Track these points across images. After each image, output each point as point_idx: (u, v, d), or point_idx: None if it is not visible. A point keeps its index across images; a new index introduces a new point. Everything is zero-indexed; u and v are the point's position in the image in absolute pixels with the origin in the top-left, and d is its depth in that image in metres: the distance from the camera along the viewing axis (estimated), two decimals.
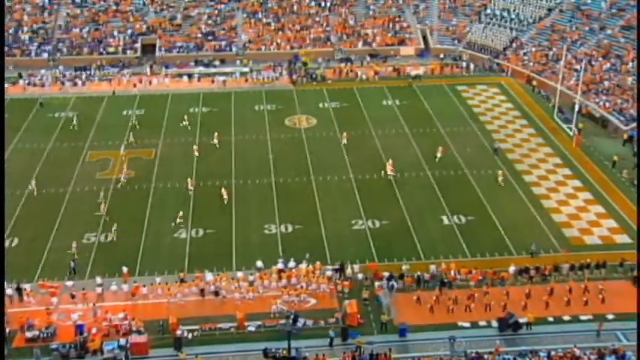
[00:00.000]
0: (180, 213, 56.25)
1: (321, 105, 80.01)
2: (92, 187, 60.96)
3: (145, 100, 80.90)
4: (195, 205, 58.53)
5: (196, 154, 66.59)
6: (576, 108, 71.95)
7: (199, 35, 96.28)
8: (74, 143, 69.53)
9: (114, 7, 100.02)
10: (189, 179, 61.33)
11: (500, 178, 61.94)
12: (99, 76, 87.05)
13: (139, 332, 43.70)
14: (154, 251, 52.43)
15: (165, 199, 59.60)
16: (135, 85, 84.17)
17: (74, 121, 73.24)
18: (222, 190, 59.31)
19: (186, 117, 73.78)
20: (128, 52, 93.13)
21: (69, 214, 57.18)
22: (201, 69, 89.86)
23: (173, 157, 67.23)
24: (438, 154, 65.22)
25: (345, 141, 68.29)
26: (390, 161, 63.38)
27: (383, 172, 62.98)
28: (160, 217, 56.87)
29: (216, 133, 69.89)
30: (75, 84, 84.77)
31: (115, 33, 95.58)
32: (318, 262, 50.10)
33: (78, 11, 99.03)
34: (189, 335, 43.92)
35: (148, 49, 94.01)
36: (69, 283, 48.37)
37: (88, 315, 45.55)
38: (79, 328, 43.82)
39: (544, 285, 48.44)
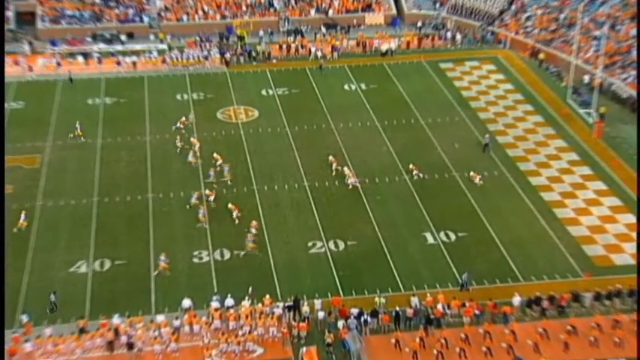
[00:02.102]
0: (201, 215, 57.99)
1: (263, 92, 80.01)
2: None
3: (25, 89, 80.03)
4: (98, 228, 57.92)
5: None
6: (596, 87, 73.12)
7: (97, 0, 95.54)
8: None
9: None
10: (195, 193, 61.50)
11: (477, 179, 62.89)
12: None
13: None
14: (40, 292, 51.38)
15: (57, 222, 58.79)
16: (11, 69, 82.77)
17: None
18: (231, 205, 59.09)
19: (78, 124, 70.98)
20: None
21: None
22: (101, 46, 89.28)
23: (66, 164, 66.44)
24: (413, 171, 64.46)
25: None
26: (347, 170, 63.66)
27: (347, 180, 63.36)
28: (49, 246, 55.99)
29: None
30: None
31: None
32: (265, 298, 49.82)
33: None
34: None
35: (26, 19, 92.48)
36: None
37: None
38: None
39: (561, 320, 48.82)
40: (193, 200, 60.30)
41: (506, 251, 55.31)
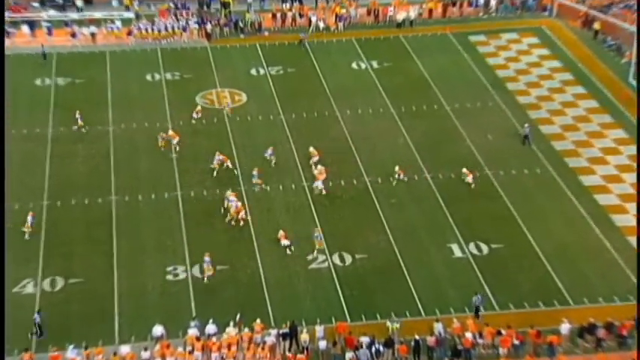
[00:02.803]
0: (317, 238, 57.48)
1: (253, 72, 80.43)
2: None
3: None
4: (49, 239, 58.11)
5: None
6: None
7: None
8: None
9: None
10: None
11: (469, 178, 63.19)
12: None
13: None
14: None
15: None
16: None
17: None
18: (234, 206, 59.49)
19: (78, 114, 70.81)
20: None
21: None
22: (52, 14, 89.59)
23: (6, 160, 66.18)
24: (397, 174, 64.24)
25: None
26: (319, 168, 63.69)
27: (355, 180, 63.79)
28: None
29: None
30: None
31: None
32: (255, 324, 50.01)
33: None
34: None
35: None
36: None
37: None
38: None
39: (621, 353, 48.95)
40: (231, 204, 60.26)
41: (551, 267, 55.55)
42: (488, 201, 61.97)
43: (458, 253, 56.92)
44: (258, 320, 50.03)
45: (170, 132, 68.16)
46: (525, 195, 62.48)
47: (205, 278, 54.36)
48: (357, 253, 56.74)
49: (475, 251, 56.96)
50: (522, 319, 50.88)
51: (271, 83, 78.04)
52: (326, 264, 55.83)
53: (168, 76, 79.45)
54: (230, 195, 60.29)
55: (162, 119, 71.66)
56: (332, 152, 66.70)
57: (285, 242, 56.76)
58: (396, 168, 63.83)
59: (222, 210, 59.96)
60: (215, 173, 63.81)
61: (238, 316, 50.38)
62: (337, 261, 56.07)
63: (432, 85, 77.08)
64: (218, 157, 64.46)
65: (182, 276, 54.90)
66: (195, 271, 55.14)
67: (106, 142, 68.88)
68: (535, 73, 79.70)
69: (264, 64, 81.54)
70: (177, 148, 66.99)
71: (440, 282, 54.55)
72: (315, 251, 56.40)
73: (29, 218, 58.51)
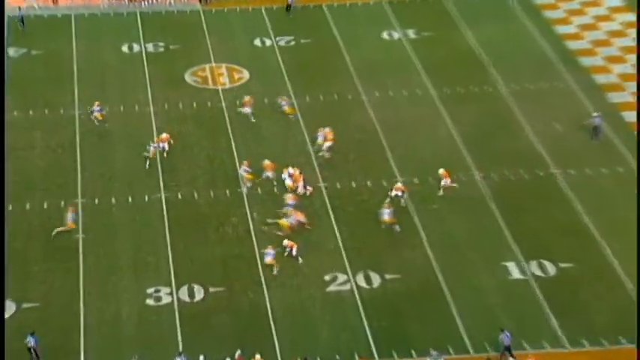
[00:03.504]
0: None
1: (257, 42, 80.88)
2: None
3: None
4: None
5: None
6: None
7: None
8: None
9: None
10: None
11: (442, 182, 62.76)
12: None
13: None
14: None
15: None
16: None
17: None
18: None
19: (97, 105, 70.75)
20: None
21: None
22: None
23: None
24: (443, 181, 63.65)
25: None
26: (290, 171, 63.64)
27: (385, 182, 63.48)
28: None
29: None
30: None
31: None
32: (256, 358, 49.98)
33: None
34: None
35: None
36: None
37: None
38: None
39: None
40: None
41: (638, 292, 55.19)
42: (556, 208, 61.76)
43: (516, 273, 56.67)
44: (257, 356, 49.87)
45: (164, 135, 66.97)
46: (603, 201, 62.29)
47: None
48: (387, 272, 56.54)
49: (538, 272, 56.67)
50: (600, 358, 50.75)
51: (280, 58, 78.32)
52: (348, 286, 55.59)
53: (150, 47, 79.86)
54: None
55: (143, 101, 72.02)
56: (355, 145, 66.94)
57: (292, 250, 57.12)
58: (441, 171, 63.27)
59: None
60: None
61: (238, 353, 50.29)
62: (362, 282, 55.82)
63: (484, 61, 77.22)
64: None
65: (166, 300, 54.70)
66: (183, 293, 54.97)
67: (71, 130, 69.10)
68: (616, 44, 79.76)
69: (270, 32, 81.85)
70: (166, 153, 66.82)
71: (492, 310, 54.14)
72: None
73: None
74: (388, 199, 60.95)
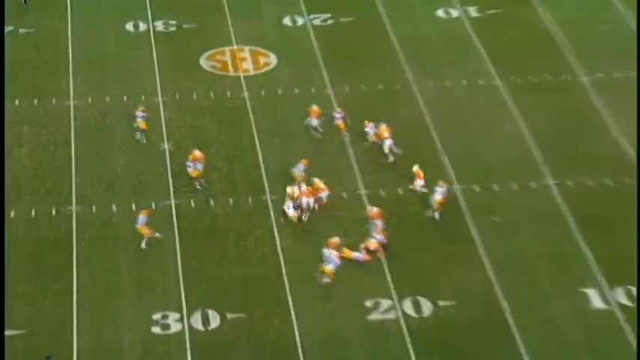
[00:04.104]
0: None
1: (287, 21, 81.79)
2: None
3: None
4: None
5: None
6: None
7: None
8: None
9: None
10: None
11: (415, 182, 63.21)
12: None
13: None
14: None
15: None
16: None
17: None
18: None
19: (140, 111, 70.62)
20: None
21: None
22: None
23: None
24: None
25: None
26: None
27: (437, 186, 63.49)
28: None
29: None
30: None
31: None
32: None
33: None
34: None
35: None
36: None
37: None
38: None
39: None
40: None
41: None
42: None
43: (598, 302, 56.72)
44: None
45: (196, 152, 65.10)
46: None
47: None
48: (440, 298, 56.82)
49: (625, 301, 56.62)
50: None
51: (314, 39, 79.08)
52: (393, 314, 55.94)
53: (160, 25, 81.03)
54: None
55: (150, 91, 73.05)
56: (403, 145, 67.15)
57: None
58: (415, 168, 63.45)
59: None
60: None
61: None
62: (410, 310, 56.16)
63: (561, 44, 77.62)
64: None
65: (175, 328, 55.17)
66: (195, 320, 55.42)
67: (65, 125, 70.14)
68: None
69: (303, 9, 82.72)
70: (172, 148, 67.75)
71: (568, 344, 54.19)
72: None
73: None
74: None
